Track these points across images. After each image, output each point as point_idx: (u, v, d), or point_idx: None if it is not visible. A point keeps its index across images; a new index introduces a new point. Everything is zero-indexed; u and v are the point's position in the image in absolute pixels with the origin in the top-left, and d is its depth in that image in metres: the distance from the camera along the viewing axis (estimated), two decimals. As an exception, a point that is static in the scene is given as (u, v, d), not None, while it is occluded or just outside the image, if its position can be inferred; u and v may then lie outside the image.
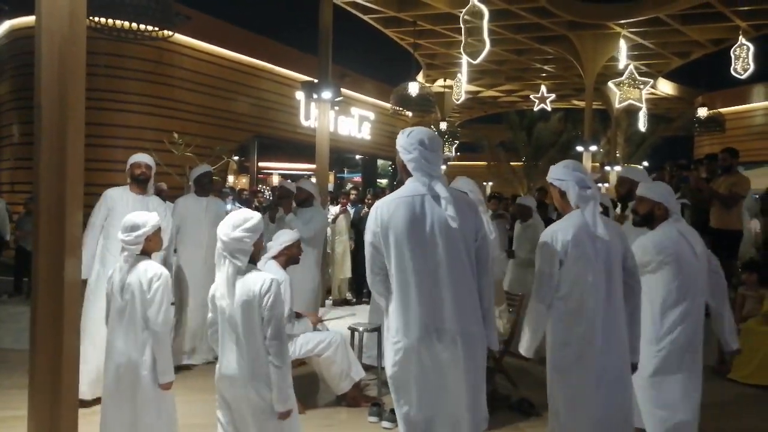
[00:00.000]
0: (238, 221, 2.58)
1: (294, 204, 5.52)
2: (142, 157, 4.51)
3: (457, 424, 2.45)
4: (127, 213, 3.07)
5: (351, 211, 8.83)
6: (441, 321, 2.40)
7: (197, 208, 5.16)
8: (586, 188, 2.71)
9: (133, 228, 2.83)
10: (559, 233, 2.69)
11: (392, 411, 4.23)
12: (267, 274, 2.61)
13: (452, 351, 2.40)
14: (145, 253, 2.90)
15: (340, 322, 6.29)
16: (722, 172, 6.51)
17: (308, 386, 4.39)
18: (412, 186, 2.50)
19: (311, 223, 5.26)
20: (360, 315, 6.86)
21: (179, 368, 4.49)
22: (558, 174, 2.81)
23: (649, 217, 3.20)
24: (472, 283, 2.48)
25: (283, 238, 4.10)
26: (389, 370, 2.50)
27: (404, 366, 2.44)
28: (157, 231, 2.94)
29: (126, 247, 2.83)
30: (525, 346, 2.85)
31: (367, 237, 2.53)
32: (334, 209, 8.72)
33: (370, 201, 8.43)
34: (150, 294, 2.78)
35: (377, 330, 4.73)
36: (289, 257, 4.05)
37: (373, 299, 5.59)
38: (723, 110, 15.62)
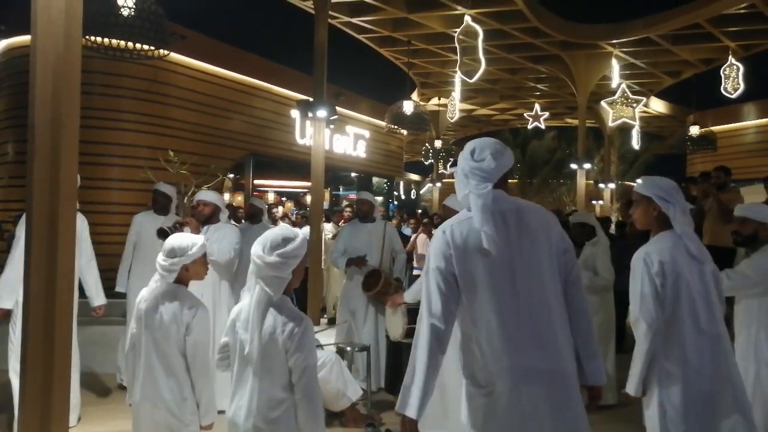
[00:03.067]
0: (277, 242, 2.15)
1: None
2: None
3: None
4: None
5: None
6: (528, 360, 2.04)
7: (151, 226, 4.98)
8: (686, 214, 2.60)
9: (170, 253, 2.59)
10: (655, 254, 2.54)
11: (388, 431, 4.20)
12: (302, 315, 2.24)
13: (544, 395, 2.04)
14: (181, 282, 2.66)
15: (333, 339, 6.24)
16: (716, 189, 6.55)
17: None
18: (480, 202, 2.12)
19: (224, 242, 4.60)
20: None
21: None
22: (665, 193, 2.58)
23: (753, 237, 3.26)
24: (560, 309, 2.12)
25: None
26: (471, 427, 2.13)
27: (490, 420, 2.07)
28: (198, 260, 2.67)
29: (160, 273, 2.61)
30: (634, 383, 2.57)
31: (433, 264, 2.11)
32: (328, 227, 8.72)
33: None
34: (184, 329, 2.54)
35: (366, 350, 4.71)
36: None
37: (352, 317, 5.53)
38: (715, 128, 15.78)
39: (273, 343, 2.15)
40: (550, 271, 2.13)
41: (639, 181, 2.74)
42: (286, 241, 2.15)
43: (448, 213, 4.16)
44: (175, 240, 2.64)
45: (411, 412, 2.07)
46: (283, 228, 2.25)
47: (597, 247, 5.22)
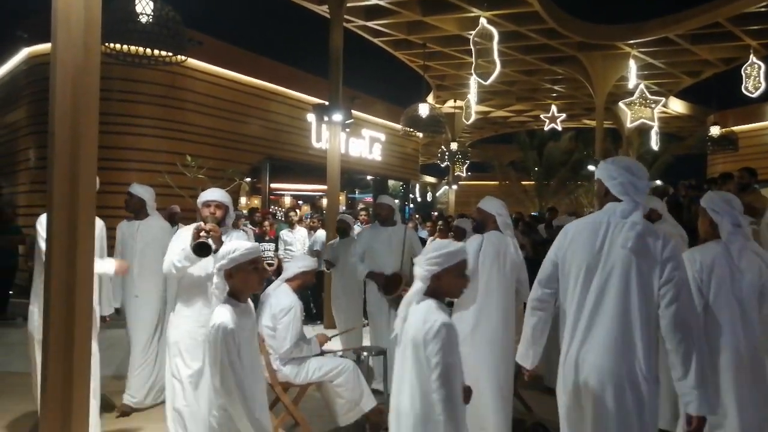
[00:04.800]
0: (440, 245, 2.38)
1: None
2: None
3: None
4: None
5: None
6: (593, 359, 2.36)
7: (129, 233, 4.87)
8: (737, 225, 2.86)
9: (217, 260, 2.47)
10: (698, 255, 2.84)
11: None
12: (439, 315, 2.30)
13: (604, 399, 2.32)
14: (233, 295, 2.51)
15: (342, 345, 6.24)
16: (739, 190, 6.44)
17: (312, 411, 4.34)
18: (605, 210, 2.51)
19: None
20: (367, 338, 6.82)
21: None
22: (716, 205, 2.90)
23: None
24: (640, 321, 2.34)
25: (301, 263, 4.16)
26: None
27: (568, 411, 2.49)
28: (243, 266, 2.48)
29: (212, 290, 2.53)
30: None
31: (550, 253, 2.60)
32: (320, 234, 8.80)
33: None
34: (211, 349, 2.44)
35: (383, 353, 4.70)
36: (302, 283, 4.11)
37: (371, 321, 5.55)
38: (736, 128, 15.52)
39: (415, 341, 2.34)
40: (640, 285, 2.41)
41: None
42: (442, 247, 2.39)
43: (484, 216, 4.12)
44: (225, 246, 2.54)
45: (525, 363, 2.71)
46: (446, 240, 2.50)
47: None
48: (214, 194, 3.66)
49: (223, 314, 2.43)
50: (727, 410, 2.72)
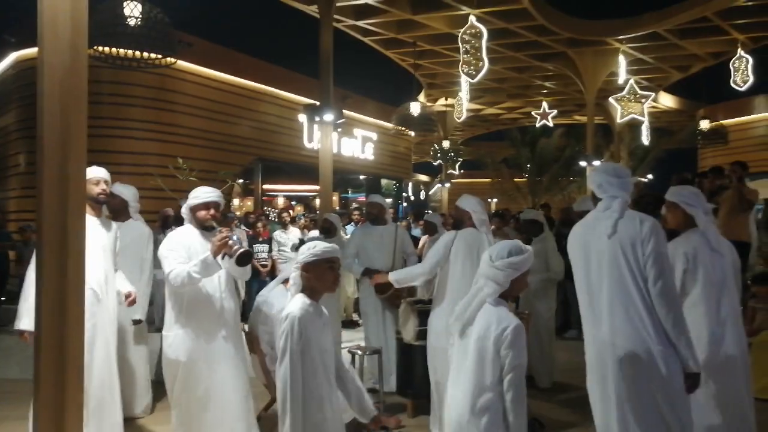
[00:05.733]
0: (515, 248, 2.45)
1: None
2: (99, 171, 3.85)
3: None
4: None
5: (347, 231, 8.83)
6: (605, 335, 2.68)
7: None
8: (707, 213, 3.21)
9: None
10: (681, 248, 3.12)
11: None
12: (512, 318, 2.40)
13: (620, 370, 2.63)
14: (307, 292, 2.47)
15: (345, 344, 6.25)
16: (731, 183, 6.47)
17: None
18: (595, 210, 2.84)
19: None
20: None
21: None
22: (688, 199, 3.19)
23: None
24: (638, 299, 2.64)
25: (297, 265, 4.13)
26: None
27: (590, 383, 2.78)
28: (320, 263, 2.45)
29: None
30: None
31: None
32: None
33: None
34: (281, 339, 2.39)
35: (378, 353, 4.70)
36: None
37: (365, 320, 5.57)
38: (725, 122, 15.65)
39: (484, 343, 2.45)
40: (628, 268, 2.71)
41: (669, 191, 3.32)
42: (518, 251, 2.47)
43: (460, 213, 4.22)
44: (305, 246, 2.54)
45: None
46: (515, 241, 2.54)
47: (546, 243, 5.84)
48: (212, 195, 3.45)
49: (297, 304, 2.43)
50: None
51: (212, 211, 3.42)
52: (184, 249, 3.33)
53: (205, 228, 3.44)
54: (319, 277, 2.47)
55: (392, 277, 4.30)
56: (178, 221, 4.77)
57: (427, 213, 6.92)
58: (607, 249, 2.71)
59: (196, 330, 3.34)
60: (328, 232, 6.53)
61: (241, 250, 3.14)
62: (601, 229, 2.73)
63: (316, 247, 2.48)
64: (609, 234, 2.68)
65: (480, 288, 2.48)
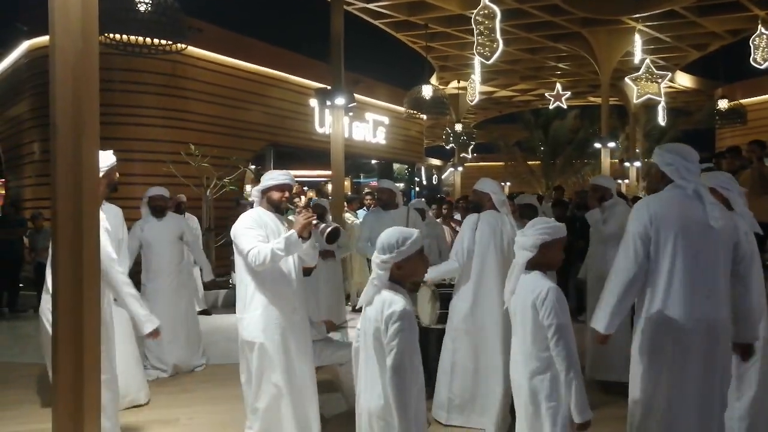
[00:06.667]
0: (546, 220, 2.68)
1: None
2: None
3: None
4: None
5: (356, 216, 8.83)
6: (702, 311, 2.79)
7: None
8: (742, 197, 3.42)
9: (384, 249, 2.35)
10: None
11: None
12: (546, 281, 2.57)
13: (709, 340, 2.79)
14: (396, 281, 2.38)
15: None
16: (751, 162, 6.35)
17: (325, 394, 4.36)
18: (678, 189, 2.90)
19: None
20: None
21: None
22: (724, 183, 3.39)
23: None
24: (724, 277, 2.87)
25: None
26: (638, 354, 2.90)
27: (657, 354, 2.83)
28: (413, 257, 2.36)
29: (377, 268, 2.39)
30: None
31: (634, 228, 2.87)
32: (349, 215, 8.76)
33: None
34: (387, 336, 2.29)
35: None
36: (309, 270, 4.00)
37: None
38: (744, 101, 15.33)
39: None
40: (723, 250, 2.94)
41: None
42: (547, 227, 2.63)
43: (479, 197, 4.24)
44: (385, 235, 2.41)
45: (599, 326, 2.90)
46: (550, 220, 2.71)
47: None
48: (287, 178, 3.53)
49: (399, 300, 2.33)
50: None
51: (287, 194, 3.53)
52: (261, 228, 3.38)
53: (278, 210, 3.54)
54: (413, 270, 2.41)
55: (429, 276, 4.15)
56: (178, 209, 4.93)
57: (439, 197, 6.89)
58: (709, 230, 2.85)
59: (274, 311, 3.38)
60: (320, 218, 6.52)
61: (331, 227, 3.30)
62: (698, 213, 2.85)
63: (405, 243, 2.34)
64: (714, 223, 2.84)
65: (516, 261, 2.66)
